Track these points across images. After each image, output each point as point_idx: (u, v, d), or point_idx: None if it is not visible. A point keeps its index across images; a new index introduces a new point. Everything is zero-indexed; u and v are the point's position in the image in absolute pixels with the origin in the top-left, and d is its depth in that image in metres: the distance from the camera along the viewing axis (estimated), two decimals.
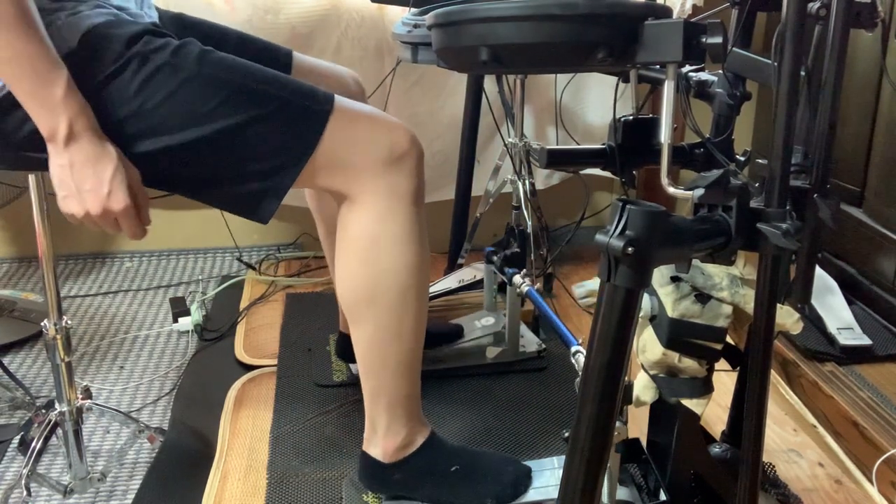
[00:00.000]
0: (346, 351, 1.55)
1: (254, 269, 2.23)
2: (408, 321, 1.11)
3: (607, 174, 1.80)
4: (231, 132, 0.99)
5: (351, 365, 1.62)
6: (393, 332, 1.10)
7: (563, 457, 0.83)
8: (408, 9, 1.70)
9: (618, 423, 1.00)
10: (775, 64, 0.77)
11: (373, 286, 1.08)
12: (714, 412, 1.34)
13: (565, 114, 2.22)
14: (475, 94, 1.98)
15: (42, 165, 0.98)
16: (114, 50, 0.97)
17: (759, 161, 0.86)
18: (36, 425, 1.31)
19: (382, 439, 1.17)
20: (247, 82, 1.00)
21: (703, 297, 1.01)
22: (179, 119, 0.98)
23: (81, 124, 0.94)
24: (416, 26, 1.49)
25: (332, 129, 1.03)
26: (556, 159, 1.18)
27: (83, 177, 0.95)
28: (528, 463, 1.27)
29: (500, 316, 1.68)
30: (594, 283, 1.35)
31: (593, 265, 2.22)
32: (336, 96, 1.05)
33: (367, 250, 1.07)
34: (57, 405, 1.27)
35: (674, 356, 1.01)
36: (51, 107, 0.92)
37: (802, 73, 0.84)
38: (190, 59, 0.99)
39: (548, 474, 1.24)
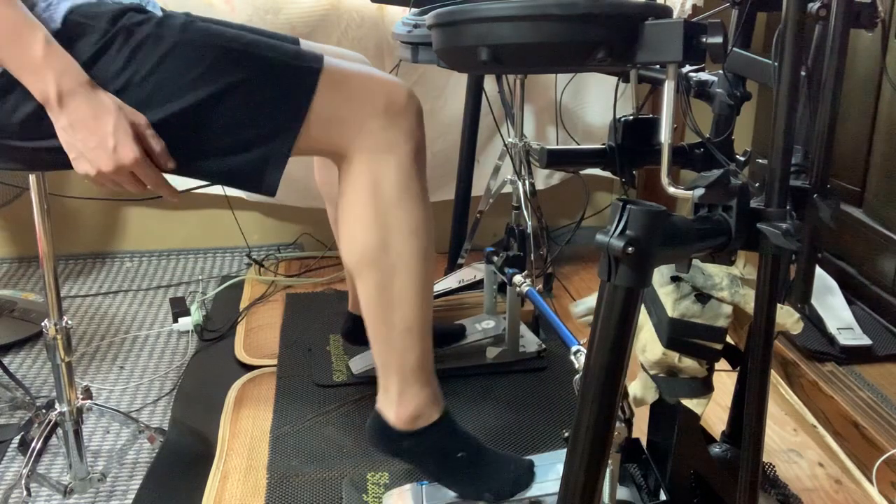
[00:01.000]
0: (352, 331, 1.54)
1: (263, 266, 2.23)
2: (411, 284, 1.09)
3: (607, 174, 1.80)
4: (220, 98, 0.98)
5: (351, 364, 1.62)
6: (396, 294, 1.09)
7: (564, 451, 0.83)
8: (408, 9, 1.70)
9: (618, 423, 1.00)
10: (775, 64, 0.77)
11: (372, 246, 1.07)
12: (714, 412, 1.34)
13: (565, 114, 2.22)
14: (475, 94, 1.98)
15: (41, 164, 0.98)
16: (98, 27, 0.96)
17: (759, 161, 0.86)
18: (36, 425, 1.31)
19: (396, 405, 1.15)
20: (232, 45, 0.99)
21: (703, 297, 1.01)
22: (168, 89, 0.97)
23: (70, 80, 0.92)
24: (416, 26, 1.49)
25: (324, 86, 1.01)
26: (556, 159, 1.18)
27: (85, 135, 0.94)
28: (531, 457, 1.27)
29: (501, 319, 1.68)
30: (593, 300, 1.34)
31: (593, 265, 2.22)
32: (326, 56, 1.04)
33: (365, 210, 1.06)
34: (57, 405, 1.27)
35: (674, 356, 1.01)
36: (34, 68, 0.91)
37: (802, 73, 0.84)
38: (174, 28, 0.98)
39: (548, 469, 1.24)
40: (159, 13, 1.15)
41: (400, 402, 1.15)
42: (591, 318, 1.40)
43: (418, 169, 1.07)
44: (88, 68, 0.96)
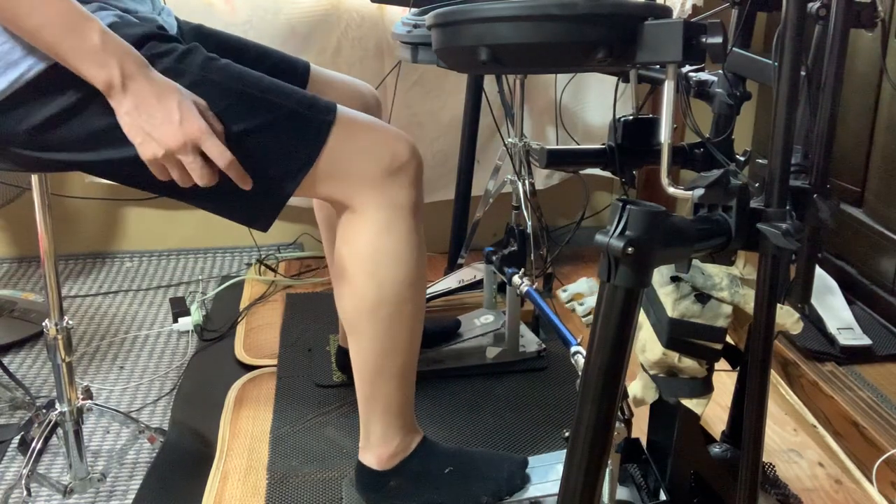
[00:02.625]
0: (347, 365, 1.55)
1: (266, 265, 2.23)
2: (405, 334, 1.11)
3: (607, 174, 1.80)
4: (233, 140, 0.98)
5: None
6: (390, 344, 1.11)
7: (563, 451, 0.83)
8: (408, 9, 1.70)
9: (618, 423, 1.00)
10: (775, 64, 0.77)
11: (372, 298, 1.08)
12: (714, 412, 1.34)
13: (565, 114, 2.22)
14: (475, 94, 1.98)
15: (43, 166, 0.98)
16: None
17: (759, 161, 0.86)
18: (36, 425, 1.31)
19: (377, 447, 1.17)
20: (249, 90, 1.00)
21: (703, 297, 1.01)
22: None
23: (131, 65, 0.92)
24: (416, 26, 1.49)
25: (334, 139, 1.02)
26: (556, 159, 1.18)
27: (151, 113, 0.93)
28: (530, 458, 1.27)
29: (500, 314, 1.68)
30: (577, 286, 1.35)
31: (593, 265, 2.22)
32: (339, 106, 1.05)
33: (367, 262, 1.07)
34: (57, 405, 1.27)
35: (674, 356, 1.01)
36: (96, 57, 0.91)
37: (802, 73, 0.84)
38: (194, 65, 0.99)
39: (547, 470, 1.24)
40: (172, 23, 1.15)
41: (381, 444, 1.17)
42: (575, 304, 1.39)
43: (416, 224, 1.09)
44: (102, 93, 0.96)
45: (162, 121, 0.93)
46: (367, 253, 1.07)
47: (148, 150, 0.94)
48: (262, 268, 2.22)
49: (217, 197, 1.04)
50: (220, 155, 0.95)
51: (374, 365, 1.13)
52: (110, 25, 0.97)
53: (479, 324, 1.68)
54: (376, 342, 1.11)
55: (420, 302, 1.13)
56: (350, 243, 1.08)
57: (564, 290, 1.30)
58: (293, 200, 1.05)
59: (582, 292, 1.40)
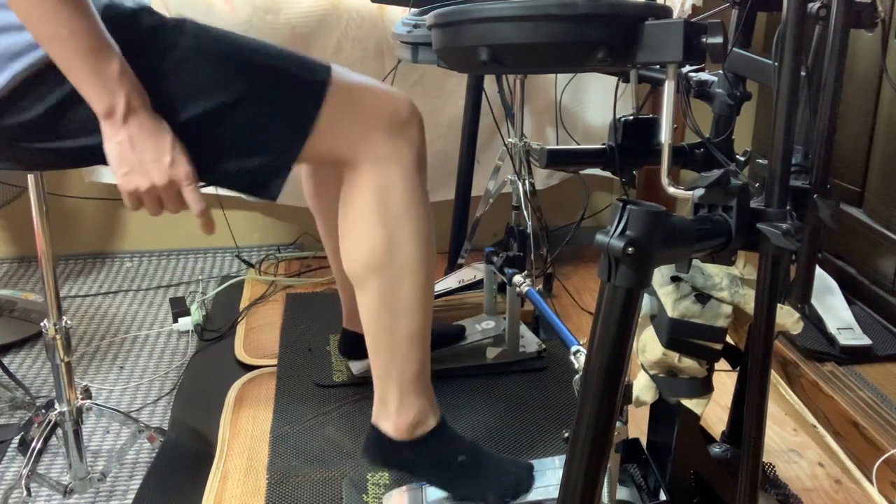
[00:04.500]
0: (348, 347, 1.55)
1: (252, 266, 2.23)
2: (415, 291, 1.10)
3: (607, 174, 1.80)
4: (231, 106, 0.99)
5: (351, 364, 1.61)
6: (400, 301, 1.10)
7: (564, 456, 0.83)
8: (408, 9, 1.70)
9: (618, 423, 1.00)
10: (775, 64, 0.77)
11: (379, 250, 1.08)
12: (714, 412, 1.34)
13: (565, 114, 2.22)
14: (475, 94, 1.98)
15: (41, 164, 0.98)
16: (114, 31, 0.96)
17: (759, 161, 0.86)
18: (36, 425, 1.31)
19: (395, 415, 1.16)
20: (245, 55, 1.01)
21: (703, 297, 1.01)
22: (180, 96, 0.98)
23: (137, 99, 0.94)
24: (416, 26, 1.49)
25: (332, 98, 1.03)
26: (556, 159, 1.18)
27: (144, 148, 0.95)
28: (532, 461, 1.27)
29: (501, 320, 1.68)
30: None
31: (593, 265, 2.22)
32: (333, 65, 1.05)
33: (372, 215, 1.07)
34: (57, 405, 1.27)
35: (674, 356, 1.01)
36: (108, 83, 0.92)
37: (802, 73, 0.84)
38: (188, 34, 0.99)
39: (549, 473, 1.24)
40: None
41: (399, 412, 1.16)
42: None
43: (421, 177, 1.09)
44: None
45: (153, 159, 0.95)
46: (372, 206, 1.07)
47: (131, 181, 0.96)
48: (253, 266, 2.22)
49: (224, 169, 1.04)
50: (196, 202, 0.99)
51: (384, 326, 1.11)
52: (107, 5, 0.97)
53: (480, 329, 1.68)
54: (385, 299, 1.10)
55: (430, 263, 1.12)
56: (354, 198, 1.08)
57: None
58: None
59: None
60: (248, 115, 1.00)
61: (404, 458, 1.18)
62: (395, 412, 1.16)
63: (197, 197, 0.99)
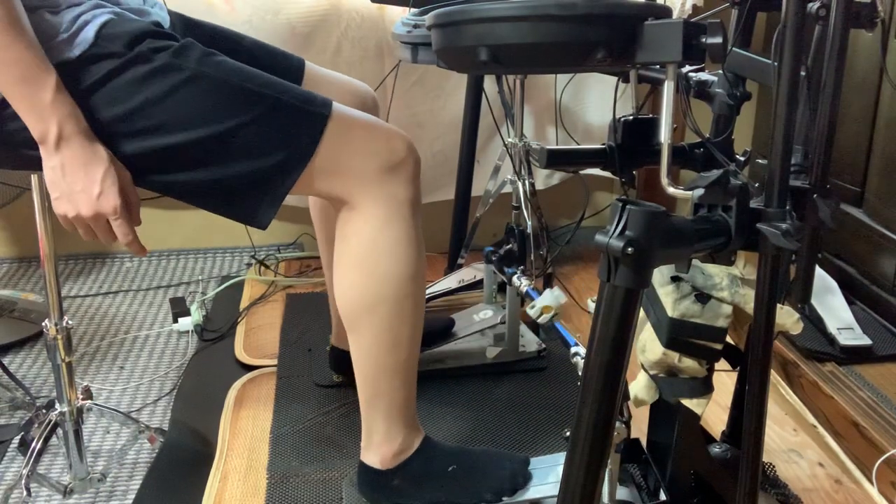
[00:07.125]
0: (338, 363, 1.55)
1: (267, 266, 2.23)
2: (405, 329, 1.11)
3: (607, 174, 1.80)
4: (229, 134, 0.99)
5: None
6: (391, 340, 1.11)
7: (564, 453, 0.83)
8: (408, 9, 1.70)
9: (618, 423, 1.00)
10: (775, 64, 0.77)
11: (372, 294, 1.08)
12: (714, 412, 1.34)
13: (565, 114, 2.22)
14: (475, 94, 1.98)
15: (38, 164, 0.98)
16: (114, 50, 0.97)
17: (759, 161, 0.86)
18: (36, 425, 1.31)
19: (380, 446, 1.17)
20: (245, 85, 1.00)
21: (703, 297, 1.01)
22: (177, 120, 0.98)
23: (71, 127, 0.94)
24: (416, 26, 1.49)
25: (330, 134, 1.03)
26: (556, 159, 1.18)
27: (74, 178, 0.96)
28: (531, 459, 1.27)
29: (499, 308, 1.68)
30: (543, 300, 1.35)
31: (593, 265, 2.22)
32: (334, 102, 1.05)
33: (367, 258, 1.08)
34: (57, 405, 1.27)
35: (674, 356, 1.01)
36: (40, 111, 0.93)
37: (802, 73, 0.84)
38: (191, 60, 0.99)
39: (547, 471, 1.24)
40: (164, 15, 1.15)
41: (384, 442, 1.17)
42: (547, 316, 1.38)
43: (414, 220, 1.09)
44: (98, 88, 0.97)
45: (82, 189, 0.97)
46: (366, 249, 1.07)
47: (60, 207, 0.99)
48: (262, 268, 2.22)
49: (216, 195, 1.04)
50: (124, 235, 1.00)
51: (375, 362, 1.12)
52: (107, 23, 0.98)
53: (478, 319, 1.68)
54: (377, 339, 1.11)
55: (420, 297, 1.13)
56: (349, 240, 1.09)
57: (531, 308, 1.29)
58: (292, 200, 1.06)
59: (549, 305, 1.39)
60: (245, 144, 1.00)
61: (395, 486, 1.18)
62: (379, 444, 1.17)
63: (125, 230, 1.00)
